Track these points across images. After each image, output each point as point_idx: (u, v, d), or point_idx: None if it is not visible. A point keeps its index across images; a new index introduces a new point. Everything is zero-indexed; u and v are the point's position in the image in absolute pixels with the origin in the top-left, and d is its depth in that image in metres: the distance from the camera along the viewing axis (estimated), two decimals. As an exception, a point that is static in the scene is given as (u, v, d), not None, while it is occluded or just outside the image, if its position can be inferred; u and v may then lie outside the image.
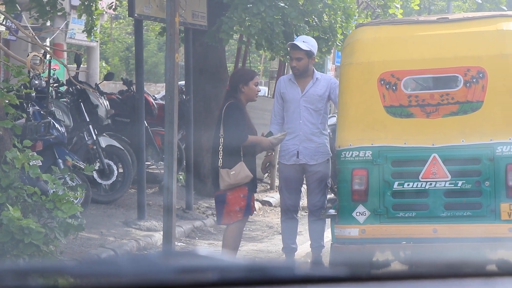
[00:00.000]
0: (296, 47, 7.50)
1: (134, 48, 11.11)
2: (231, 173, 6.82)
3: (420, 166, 6.18)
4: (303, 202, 9.21)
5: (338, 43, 10.51)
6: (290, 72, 8.05)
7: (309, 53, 7.51)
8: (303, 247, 8.44)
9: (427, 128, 6.22)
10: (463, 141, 6.16)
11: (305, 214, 9.51)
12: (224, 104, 6.98)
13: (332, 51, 13.18)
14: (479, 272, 1.70)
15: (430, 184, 6.17)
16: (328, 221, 7.31)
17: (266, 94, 18.27)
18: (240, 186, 6.88)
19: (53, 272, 1.57)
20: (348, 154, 6.32)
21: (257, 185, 7.45)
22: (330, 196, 11.22)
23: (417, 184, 6.20)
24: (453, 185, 6.14)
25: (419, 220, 6.19)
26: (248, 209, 7.01)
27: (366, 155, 6.28)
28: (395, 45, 6.44)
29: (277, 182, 13.29)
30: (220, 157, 6.87)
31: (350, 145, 6.32)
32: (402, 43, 6.43)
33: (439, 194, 6.16)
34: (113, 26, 31.36)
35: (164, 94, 8.49)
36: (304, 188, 8.08)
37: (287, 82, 7.66)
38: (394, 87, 6.28)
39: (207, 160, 10.66)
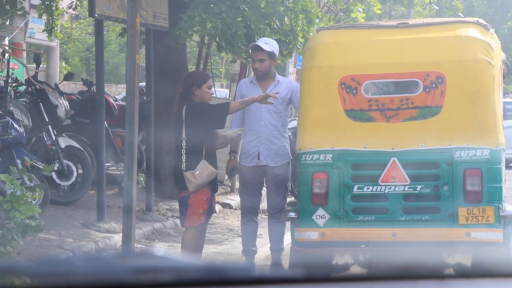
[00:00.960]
0: (258, 49, 7.51)
1: (94, 49, 11.04)
2: (196, 173, 6.82)
3: (379, 170, 6.23)
4: (263, 204, 9.23)
5: (299, 46, 10.55)
6: (252, 75, 8.07)
7: (271, 55, 7.53)
8: (263, 249, 8.45)
9: (387, 132, 6.27)
10: (422, 145, 6.21)
11: (265, 217, 9.52)
12: (181, 107, 6.96)
13: (293, 54, 13.22)
14: (434, 274, 1.71)
15: (390, 188, 6.21)
16: (288, 224, 7.33)
17: (228, 97, 18.27)
18: (203, 188, 6.87)
19: (9, 272, 1.56)
20: (309, 157, 6.35)
21: (217, 187, 7.43)
22: (290, 199, 11.25)
23: (377, 188, 6.24)
24: (412, 189, 6.19)
25: (378, 223, 6.24)
26: (210, 212, 7.00)
27: (326, 159, 6.31)
28: (356, 49, 6.48)
29: (237, 185, 13.29)
30: (183, 161, 6.85)
31: (311, 148, 6.35)
32: (363, 47, 6.48)
33: (398, 198, 6.21)
34: (74, 26, 31.12)
35: (125, 95, 8.43)
36: (264, 190, 8.09)
37: (248, 84, 7.67)
38: (354, 91, 6.32)
39: (167, 162, 10.63)
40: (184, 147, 6.84)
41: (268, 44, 7.60)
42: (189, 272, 1.56)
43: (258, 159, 7.51)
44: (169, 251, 7.56)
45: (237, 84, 14.24)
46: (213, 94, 7.36)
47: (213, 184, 7.01)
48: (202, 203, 6.88)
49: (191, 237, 6.98)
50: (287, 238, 8.09)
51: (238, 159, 7.81)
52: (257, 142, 7.50)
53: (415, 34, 6.41)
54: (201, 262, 1.57)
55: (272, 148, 7.51)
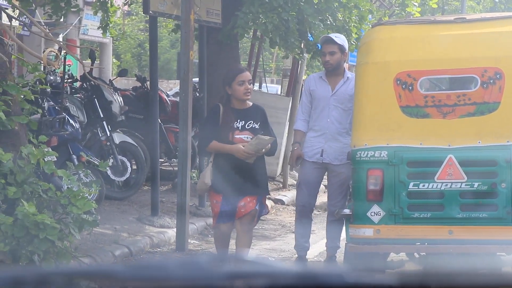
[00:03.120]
0: (330, 41, 7.47)
1: (146, 45, 11.14)
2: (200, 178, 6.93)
3: (436, 167, 6.16)
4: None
5: (352, 42, 10.49)
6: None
7: (342, 48, 7.48)
8: (316, 246, 8.42)
9: (443, 128, 6.20)
10: (479, 142, 6.13)
11: (317, 213, 9.49)
12: None
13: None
14: None
15: (446, 185, 6.14)
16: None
17: (279, 92, 18.24)
18: (213, 191, 6.71)
19: (101, 276, 1.57)
20: (363, 154, 6.30)
21: (247, 190, 6.69)
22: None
23: (433, 185, 6.17)
24: (469, 187, 6.11)
25: (435, 221, 6.17)
26: (224, 216, 6.70)
27: (382, 155, 6.26)
28: (412, 44, 6.41)
29: (290, 181, 13.28)
30: (197, 161, 6.86)
31: (366, 145, 6.30)
32: (419, 43, 6.41)
33: (455, 195, 6.13)
34: (126, 22, 31.40)
35: (176, 91, 8.51)
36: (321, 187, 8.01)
37: (317, 80, 7.58)
38: (410, 87, 6.26)
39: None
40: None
41: (339, 37, 7.58)
42: (283, 278, 1.55)
43: (321, 155, 7.43)
44: (260, 256, 7.52)
45: (304, 80, 14.19)
46: (249, 88, 6.85)
47: (238, 187, 6.63)
48: (213, 206, 6.80)
49: (215, 236, 7.04)
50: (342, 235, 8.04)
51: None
52: (321, 138, 7.42)
53: (472, 29, 6.31)
54: (295, 268, 1.55)
55: (336, 146, 7.39)
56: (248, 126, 6.70)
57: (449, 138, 6.18)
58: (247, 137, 6.67)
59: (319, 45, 10.55)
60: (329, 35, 7.71)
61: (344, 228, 6.81)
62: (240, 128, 6.69)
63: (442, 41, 6.36)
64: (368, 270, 1.68)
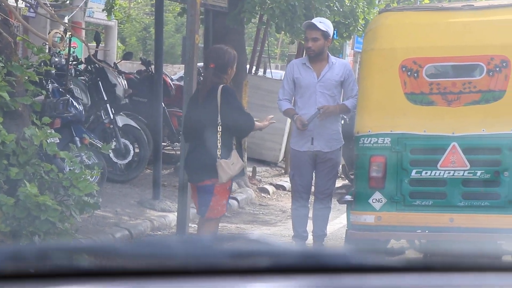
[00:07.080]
0: (313, 27, 7.33)
1: (151, 29, 11.09)
2: (231, 164, 6.37)
3: (439, 155, 6.14)
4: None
5: (359, 29, 10.45)
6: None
7: (325, 34, 7.32)
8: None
9: (447, 116, 6.17)
10: (483, 130, 6.10)
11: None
12: (214, 87, 6.44)
13: (352, 36, 13.11)
14: (496, 266, 1.65)
15: (449, 172, 6.12)
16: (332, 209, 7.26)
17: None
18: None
19: (103, 252, 1.55)
20: (367, 141, 6.28)
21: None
22: (344, 182, 11.17)
23: (435, 172, 6.15)
24: (471, 175, 6.09)
25: (436, 208, 6.16)
26: (228, 203, 6.69)
27: (385, 142, 6.24)
28: (418, 31, 6.37)
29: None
30: (219, 147, 6.37)
31: (369, 131, 6.28)
32: (426, 29, 6.37)
33: (457, 183, 6.11)
34: (131, 5, 31.34)
35: (181, 75, 8.49)
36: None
37: (300, 67, 7.41)
38: (415, 74, 6.23)
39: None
40: (220, 132, 6.37)
41: (323, 23, 7.43)
42: (286, 257, 1.54)
43: (312, 144, 7.35)
44: (263, 236, 7.41)
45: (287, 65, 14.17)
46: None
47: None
48: (226, 193, 6.51)
49: (212, 229, 6.60)
50: (342, 221, 8.03)
51: (290, 143, 7.66)
52: (310, 126, 7.36)
53: (480, 17, 6.27)
54: (298, 247, 1.55)
55: (326, 133, 7.33)
56: None
57: (454, 126, 6.16)
58: None
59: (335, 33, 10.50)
60: (314, 20, 7.53)
61: (341, 213, 6.79)
62: None
63: (449, 28, 6.32)
64: (372, 251, 1.67)
